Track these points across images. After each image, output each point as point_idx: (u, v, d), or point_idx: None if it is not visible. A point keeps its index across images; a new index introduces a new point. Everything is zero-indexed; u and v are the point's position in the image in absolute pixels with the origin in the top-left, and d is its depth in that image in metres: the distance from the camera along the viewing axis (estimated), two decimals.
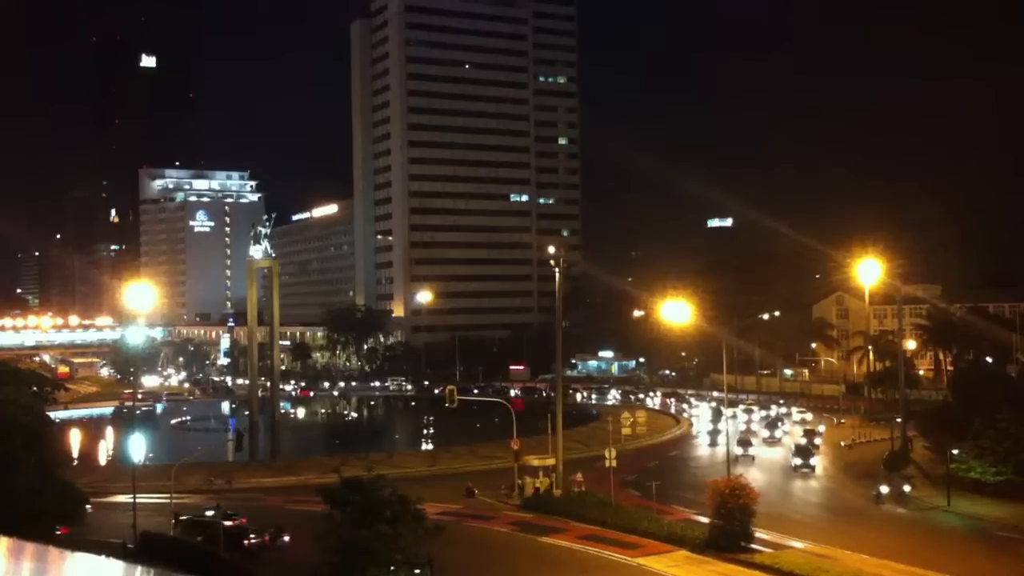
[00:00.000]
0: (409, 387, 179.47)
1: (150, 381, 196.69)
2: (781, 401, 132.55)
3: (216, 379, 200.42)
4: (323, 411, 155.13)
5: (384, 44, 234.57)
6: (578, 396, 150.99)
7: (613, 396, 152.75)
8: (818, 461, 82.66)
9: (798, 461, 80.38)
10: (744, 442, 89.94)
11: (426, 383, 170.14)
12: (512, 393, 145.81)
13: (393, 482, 45.64)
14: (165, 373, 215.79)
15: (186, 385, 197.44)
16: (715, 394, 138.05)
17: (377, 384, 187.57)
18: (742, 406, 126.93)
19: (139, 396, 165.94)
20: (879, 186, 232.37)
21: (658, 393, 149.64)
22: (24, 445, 50.93)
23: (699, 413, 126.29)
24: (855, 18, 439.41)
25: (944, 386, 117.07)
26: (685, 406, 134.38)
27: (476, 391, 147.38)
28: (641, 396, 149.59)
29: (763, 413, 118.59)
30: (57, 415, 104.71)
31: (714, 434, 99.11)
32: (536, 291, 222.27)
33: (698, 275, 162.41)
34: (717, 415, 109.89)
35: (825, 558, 50.05)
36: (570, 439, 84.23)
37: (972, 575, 47.74)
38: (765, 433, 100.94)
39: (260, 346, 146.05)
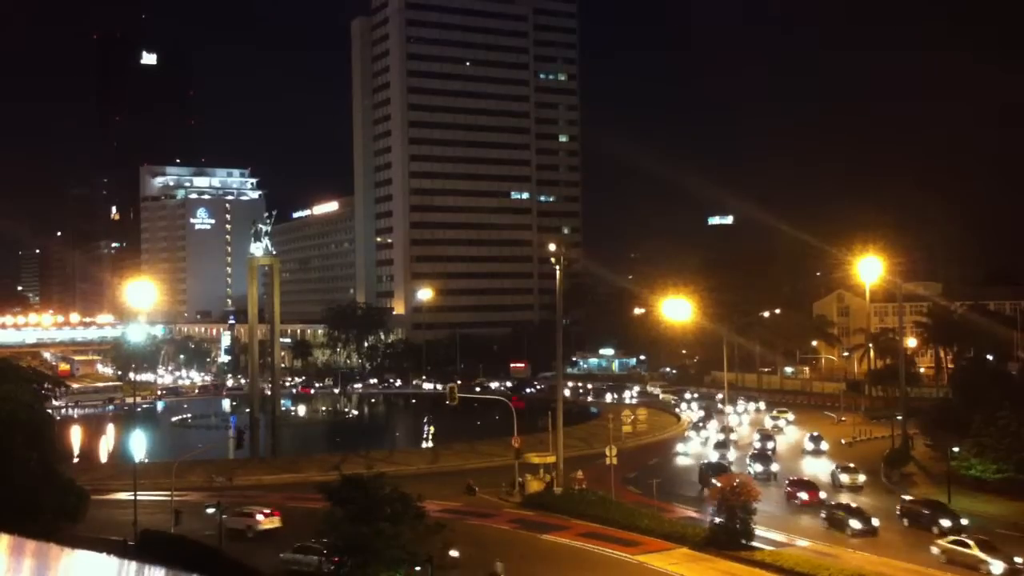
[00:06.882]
0: (422, 382, 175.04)
1: (164, 380, 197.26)
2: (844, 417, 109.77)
3: (230, 383, 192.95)
4: (324, 408, 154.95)
5: (384, 41, 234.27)
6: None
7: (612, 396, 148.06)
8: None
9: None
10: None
11: (445, 382, 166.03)
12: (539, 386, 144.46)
13: (394, 479, 45.74)
14: (176, 374, 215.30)
15: (202, 381, 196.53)
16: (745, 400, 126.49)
17: (374, 381, 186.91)
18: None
19: (159, 392, 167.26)
20: (880, 184, 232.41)
21: (691, 394, 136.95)
22: (25, 442, 50.94)
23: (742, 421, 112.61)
24: (856, 16, 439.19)
25: (945, 384, 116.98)
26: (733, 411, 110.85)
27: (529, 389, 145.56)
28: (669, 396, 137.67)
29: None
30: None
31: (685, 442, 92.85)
32: (536, 289, 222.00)
33: (698, 273, 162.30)
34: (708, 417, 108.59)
35: (826, 556, 50.07)
36: (571, 437, 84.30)
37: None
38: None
39: (261, 344, 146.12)
